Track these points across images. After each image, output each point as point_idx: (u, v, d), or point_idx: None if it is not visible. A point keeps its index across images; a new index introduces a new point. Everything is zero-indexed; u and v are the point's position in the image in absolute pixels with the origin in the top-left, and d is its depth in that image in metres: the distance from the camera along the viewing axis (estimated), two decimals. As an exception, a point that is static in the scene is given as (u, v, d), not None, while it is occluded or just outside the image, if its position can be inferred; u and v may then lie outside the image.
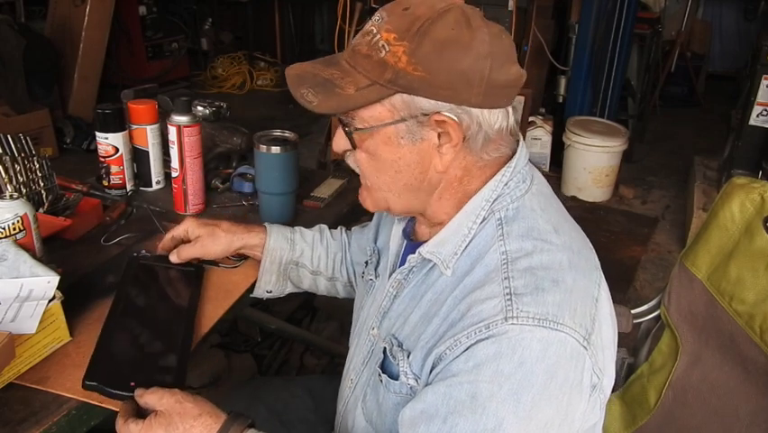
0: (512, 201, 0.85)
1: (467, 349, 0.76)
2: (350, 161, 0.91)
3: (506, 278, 0.78)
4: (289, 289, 1.25)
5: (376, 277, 1.06)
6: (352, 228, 1.28)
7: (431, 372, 0.81)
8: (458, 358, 0.77)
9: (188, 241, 1.18)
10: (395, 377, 0.88)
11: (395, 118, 0.81)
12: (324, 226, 1.28)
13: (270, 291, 1.23)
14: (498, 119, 0.83)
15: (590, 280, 0.83)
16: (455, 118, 0.80)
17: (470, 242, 0.85)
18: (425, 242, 0.89)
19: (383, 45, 0.78)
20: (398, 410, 0.87)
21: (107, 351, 0.96)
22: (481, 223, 0.85)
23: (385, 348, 0.91)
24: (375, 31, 0.80)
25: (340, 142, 0.89)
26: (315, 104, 0.82)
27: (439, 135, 0.82)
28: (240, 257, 1.26)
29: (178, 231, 1.18)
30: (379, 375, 0.91)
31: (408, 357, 0.86)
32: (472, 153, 0.85)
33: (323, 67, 0.84)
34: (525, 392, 0.73)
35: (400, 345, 0.89)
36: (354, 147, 0.86)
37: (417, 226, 0.97)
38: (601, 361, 0.80)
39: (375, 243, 1.11)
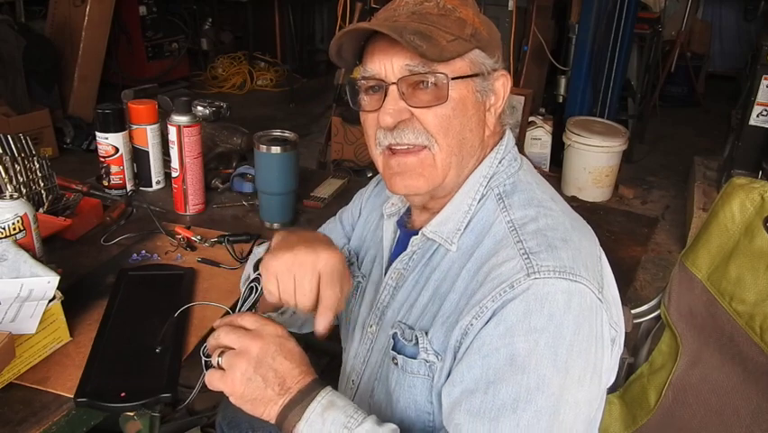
0: (508, 177, 0.90)
1: (494, 314, 0.77)
2: (408, 132, 0.85)
3: (518, 241, 0.81)
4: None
5: (363, 277, 1.05)
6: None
7: (459, 347, 0.81)
8: (487, 325, 0.77)
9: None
10: (412, 356, 0.88)
11: (474, 71, 0.85)
12: None
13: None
14: None
15: (592, 241, 0.87)
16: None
17: (471, 218, 0.88)
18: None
19: (452, 8, 0.84)
20: (413, 393, 0.88)
21: (97, 365, 0.96)
22: (480, 200, 0.89)
23: (395, 333, 0.91)
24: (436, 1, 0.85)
25: (397, 106, 0.83)
26: (424, 48, 0.79)
27: (494, 94, 0.88)
28: (243, 257, 1.26)
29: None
30: (394, 358, 0.90)
31: (427, 334, 0.86)
32: (499, 117, 0.91)
33: (411, 20, 0.83)
34: (560, 345, 0.75)
35: (411, 328, 0.89)
36: (445, 98, 0.82)
37: (415, 216, 0.97)
38: (616, 315, 0.84)
39: (348, 244, 1.11)
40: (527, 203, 0.86)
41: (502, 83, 0.89)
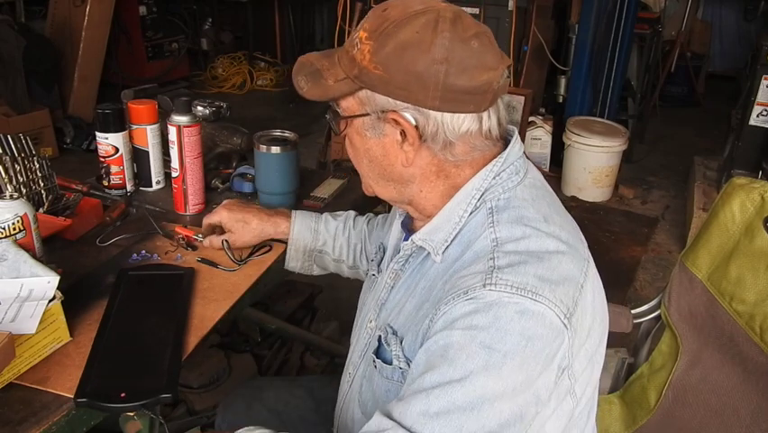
0: (504, 192, 0.87)
1: (444, 314, 0.78)
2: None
3: (491, 258, 0.80)
4: (317, 271, 1.32)
5: (378, 273, 1.07)
6: (378, 217, 1.29)
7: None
8: (435, 324, 0.79)
9: (222, 229, 1.28)
10: (388, 362, 0.89)
11: (362, 111, 0.87)
12: (351, 214, 1.30)
13: (299, 270, 1.30)
14: (463, 123, 0.84)
15: (577, 267, 0.83)
16: (410, 118, 0.83)
17: (460, 230, 0.87)
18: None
19: (357, 42, 0.84)
20: (389, 398, 0.88)
21: (97, 365, 0.96)
22: (472, 212, 0.87)
23: (380, 336, 0.92)
24: (358, 27, 0.85)
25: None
26: (305, 90, 0.89)
27: (401, 133, 0.85)
28: (242, 259, 1.26)
29: (213, 219, 1.28)
30: (374, 361, 0.92)
31: (402, 343, 0.88)
32: (436, 154, 0.86)
33: (321, 57, 0.90)
34: (498, 348, 0.73)
35: (395, 333, 0.90)
36: (342, 131, 0.91)
37: (414, 221, 0.99)
38: (576, 346, 0.80)
39: (383, 240, 1.12)
40: (516, 221, 0.83)
41: (401, 128, 0.84)
